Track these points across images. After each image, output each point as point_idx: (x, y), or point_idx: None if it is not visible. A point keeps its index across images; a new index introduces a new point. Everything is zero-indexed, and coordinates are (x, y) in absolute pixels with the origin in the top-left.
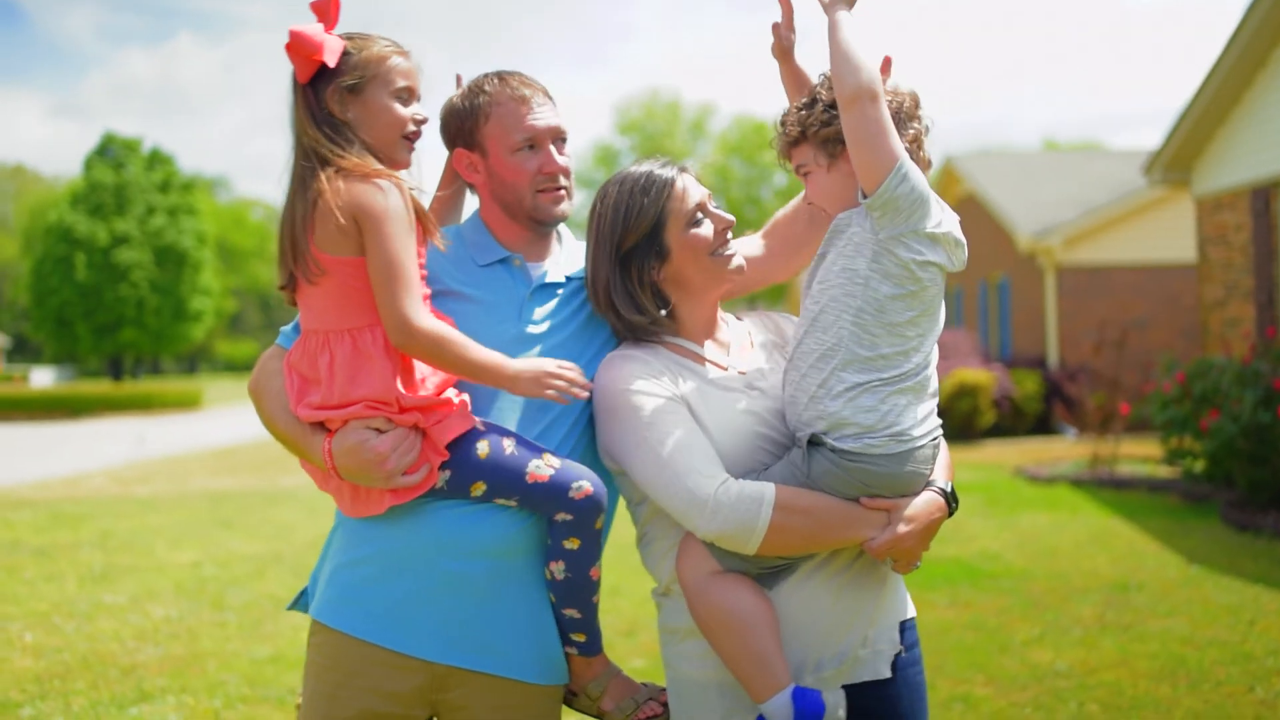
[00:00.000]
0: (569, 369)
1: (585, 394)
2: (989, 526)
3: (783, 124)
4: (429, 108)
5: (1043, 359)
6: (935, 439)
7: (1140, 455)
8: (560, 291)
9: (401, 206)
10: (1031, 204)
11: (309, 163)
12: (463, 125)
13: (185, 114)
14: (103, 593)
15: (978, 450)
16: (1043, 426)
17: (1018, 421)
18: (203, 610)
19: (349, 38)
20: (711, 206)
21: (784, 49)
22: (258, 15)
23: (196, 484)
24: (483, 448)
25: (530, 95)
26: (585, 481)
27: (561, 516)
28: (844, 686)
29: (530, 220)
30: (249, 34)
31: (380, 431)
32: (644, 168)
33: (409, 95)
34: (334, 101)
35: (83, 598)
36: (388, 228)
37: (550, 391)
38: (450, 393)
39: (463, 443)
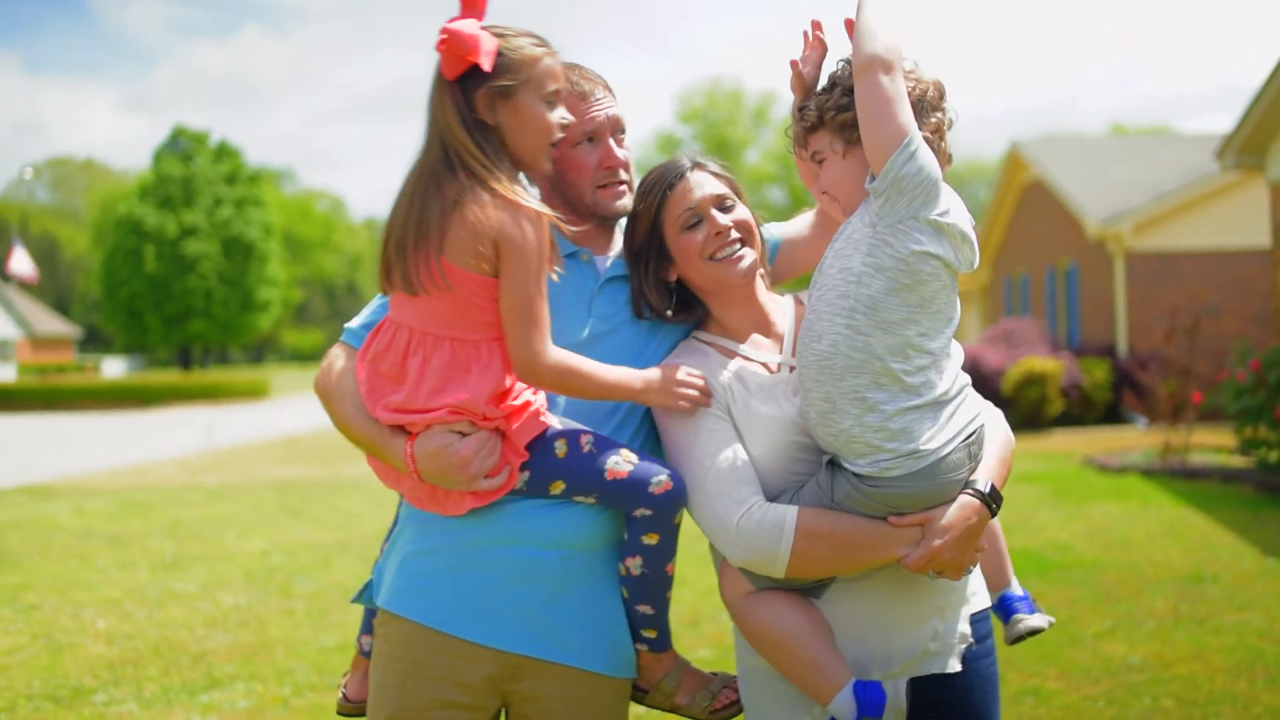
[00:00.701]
0: (696, 376)
1: (709, 401)
2: (1058, 517)
3: (800, 110)
4: None
5: (1112, 347)
6: (968, 440)
7: (1213, 445)
8: (618, 281)
9: (542, 244)
10: (1100, 190)
11: (451, 167)
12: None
13: (252, 106)
14: (173, 580)
15: (1046, 439)
16: (1112, 415)
17: (1086, 410)
18: (271, 599)
19: (499, 34)
20: (717, 208)
21: (805, 86)
22: (323, 7)
23: (264, 473)
24: (560, 447)
25: (590, 89)
26: (665, 476)
27: (640, 512)
28: (914, 679)
29: (592, 215)
30: (315, 26)
31: (463, 435)
32: (657, 167)
33: (557, 99)
34: (483, 104)
35: (154, 585)
36: (529, 266)
37: (682, 402)
38: (527, 394)
39: (540, 443)
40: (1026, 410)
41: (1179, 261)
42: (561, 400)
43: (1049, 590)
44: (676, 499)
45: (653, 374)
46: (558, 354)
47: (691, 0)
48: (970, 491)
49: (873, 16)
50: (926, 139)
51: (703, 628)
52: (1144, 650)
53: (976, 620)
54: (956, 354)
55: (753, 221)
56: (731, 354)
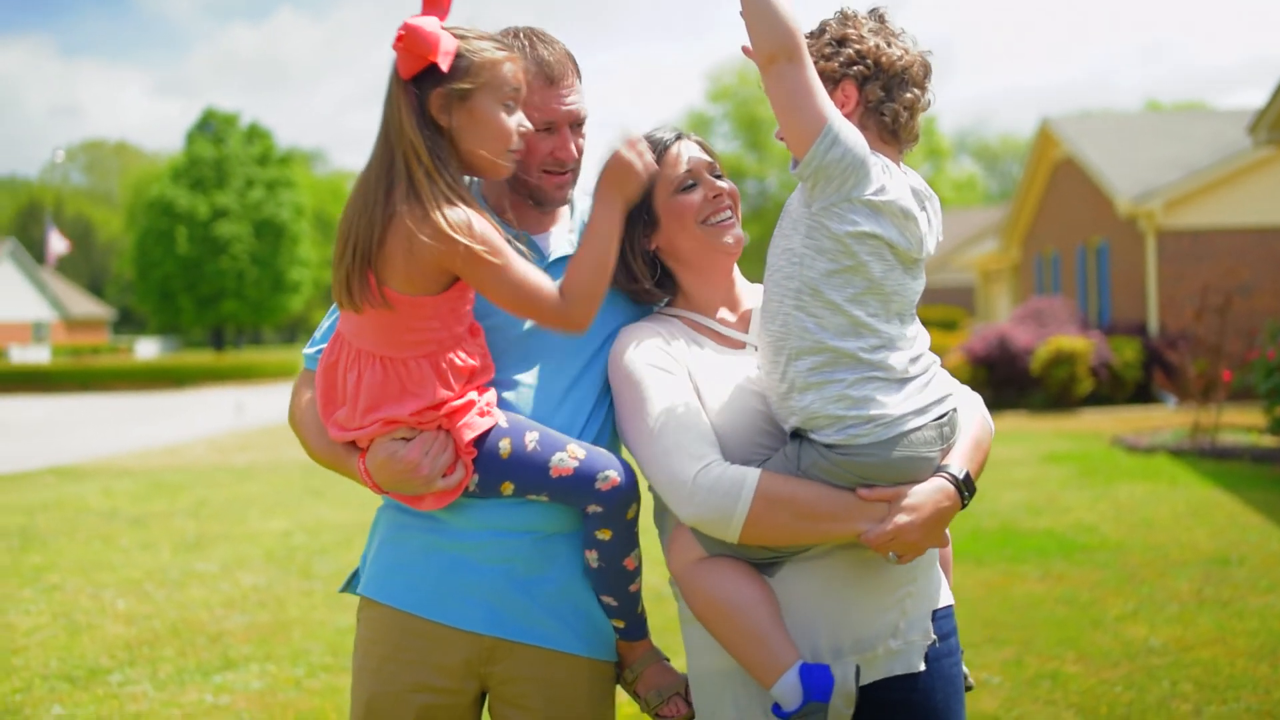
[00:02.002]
0: (633, 145)
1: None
2: (1084, 497)
3: None
4: None
5: (1143, 325)
6: (939, 419)
7: (1243, 424)
8: (565, 261)
9: (486, 233)
10: (1132, 166)
11: (396, 174)
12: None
13: (285, 88)
14: (195, 561)
15: (1074, 419)
16: (1142, 395)
17: (1116, 390)
18: (290, 579)
19: (460, 35)
20: (709, 174)
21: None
22: None
23: (291, 453)
24: (504, 446)
25: (559, 79)
26: (612, 471)
27: (592, 508)
28: (876, 682)
29: (530, 197)
30: (348, 8)
31: (406, 440)
32: (645, 133)
33: (516, 102)
34: (437, 106)
35: (175, 565)
36: (491, 260)
37: (637, 165)
38: (471, 393)
39: (485, 443)
40: (1055, 389)
41: (1211, 239)
42: (513, 397)
43: (1072, 572)
44: (624, 495)
45: (611, 188)
46: (571, 293)
47: None
48: (944, 475)
49: (762, 2)
50: (896, 113)
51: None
52: (1165, 633)
53: (940, 618)
54: (918, 336)
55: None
56: (700, 327)
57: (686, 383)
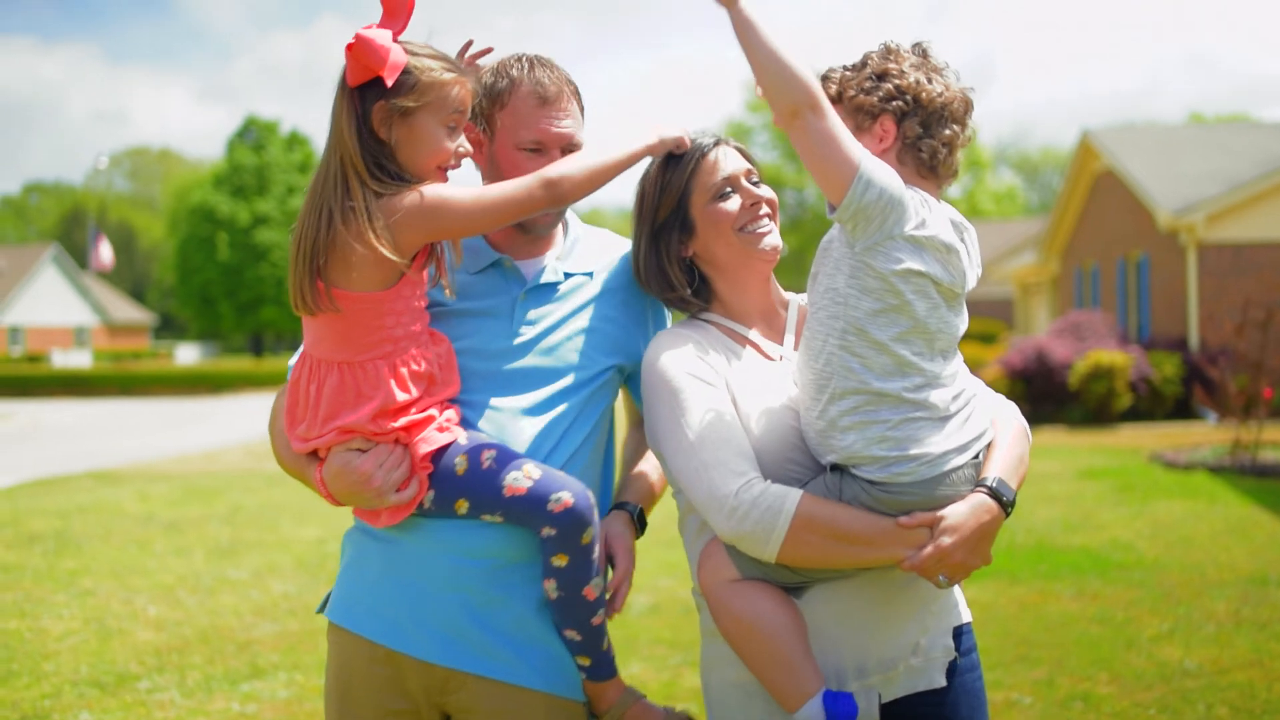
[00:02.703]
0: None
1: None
2: (1121, 515)
3: (824, 80)
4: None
5: (1183, 340)
6: (978, 457)
7: None
8: (560, 289)
9: (425, 201)
10: (1173, 179)
11: (339, 179)
12: (479, 103)
13: (326, 96)
14: (227, 567)
15: (1113, 434)
16: (1182, 410)
17: (1156, 405)
18: (320, 586)
19: (412, 52)
20: (747, 181)
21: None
22: None
23: None
24: (460, 462)
25: (554, 98)
26: (565, 493)
27: (546, 531)
28: (900, 699)
29: (518, 224)
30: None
31: (362, 451)
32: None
33: (458, 123)
34: (379, 118)
35: (208, 572)
36: (451, 209)
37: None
38: (433, 409)
39: (442, 459)
40: (1094, 404)
41: (1253, 253)
42: (479, 419)
43: (1107, 590)
44: (577, 518)
45: (648, 133)
46: (557, 172)
47: None
48: (983, 489)
49: (770, 45)
50: (934, 149)
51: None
52: (1201, 655)
53: (961, 633)
54: (959, 371)
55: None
56: (736, 336)
57: (725, 394)
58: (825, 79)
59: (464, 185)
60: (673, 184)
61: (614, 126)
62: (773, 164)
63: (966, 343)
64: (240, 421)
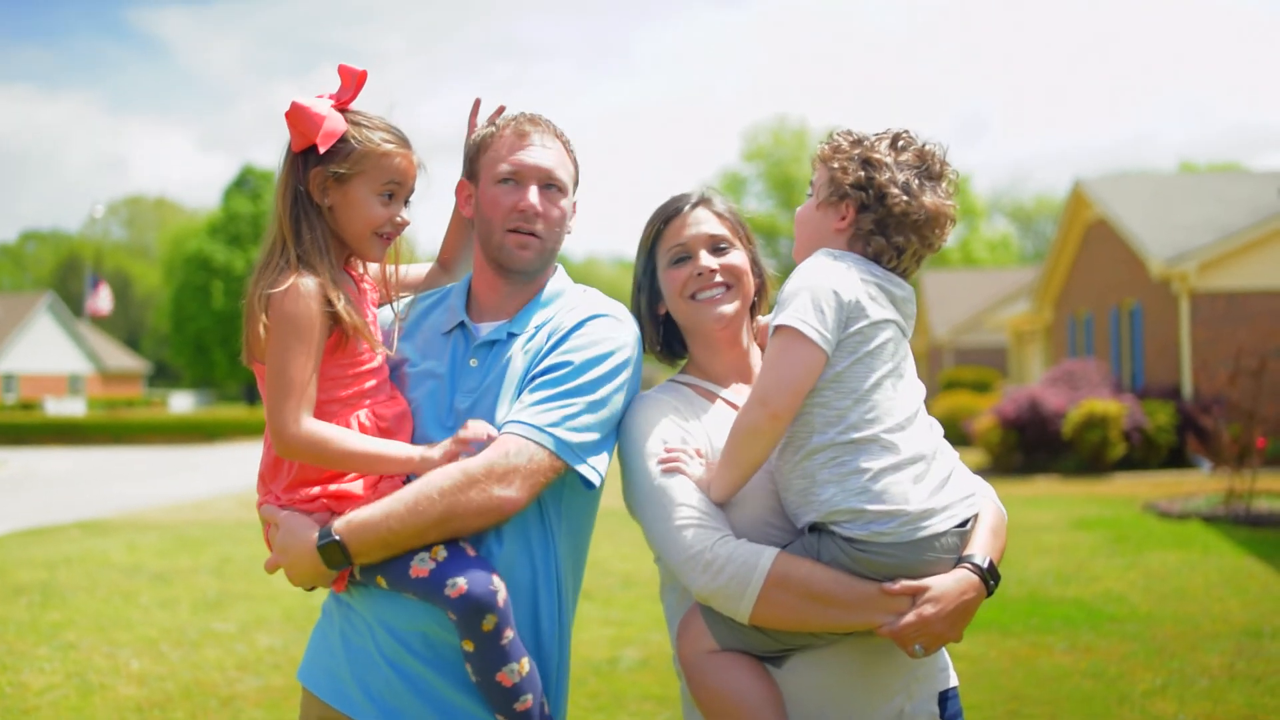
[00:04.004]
0: (477, 428)
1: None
2: (1114, 565)
3: (830, 136)
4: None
5: (1177, 389)
6: (962, 526)
7: (1279, 491)
8: (506, 349)
9: (300, 314)
10: (1166, 228)
11: (275, 239)
12: (468, 156)
13: None
14: (213, 620)
15: (1106, 484)
16: (1176, 459)
17: (1149, 454)
18: (306, 641)
19: (355, 122)
20: (710, 248)
21: None
22: (396, 48)
23: None
24: None
25: (531, 131)
26: (461, 579)
27: (450, 615)
28: None
29: (498, 265)
30: (389, 67)
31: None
32: (666, 199)
33: (396, 192)
34: (316, 183)
35: (193, 625)
36: (275, 334)
37: (461, 454)
38: (356, 484)
39: None
40: (1088, 453)
41: (1246, 301)
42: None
43: (1100, 643)
44: (472, 605)
45: (430, 448)
46: (309, 425)
47: (757, 41)
48: (969, 566)
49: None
50: (881, 249)
51: None
52: (1195, 710)
53: (947, 698)
54: (934, 425)
55: (747, 268)
56: (712, 396)
57: (696, 458)
58: (830, 137)
59: (309, 349)
60: (644, 243)
61: (608, 175)
62: (767, 214)
63: (960, 391)
64: (232, 470)
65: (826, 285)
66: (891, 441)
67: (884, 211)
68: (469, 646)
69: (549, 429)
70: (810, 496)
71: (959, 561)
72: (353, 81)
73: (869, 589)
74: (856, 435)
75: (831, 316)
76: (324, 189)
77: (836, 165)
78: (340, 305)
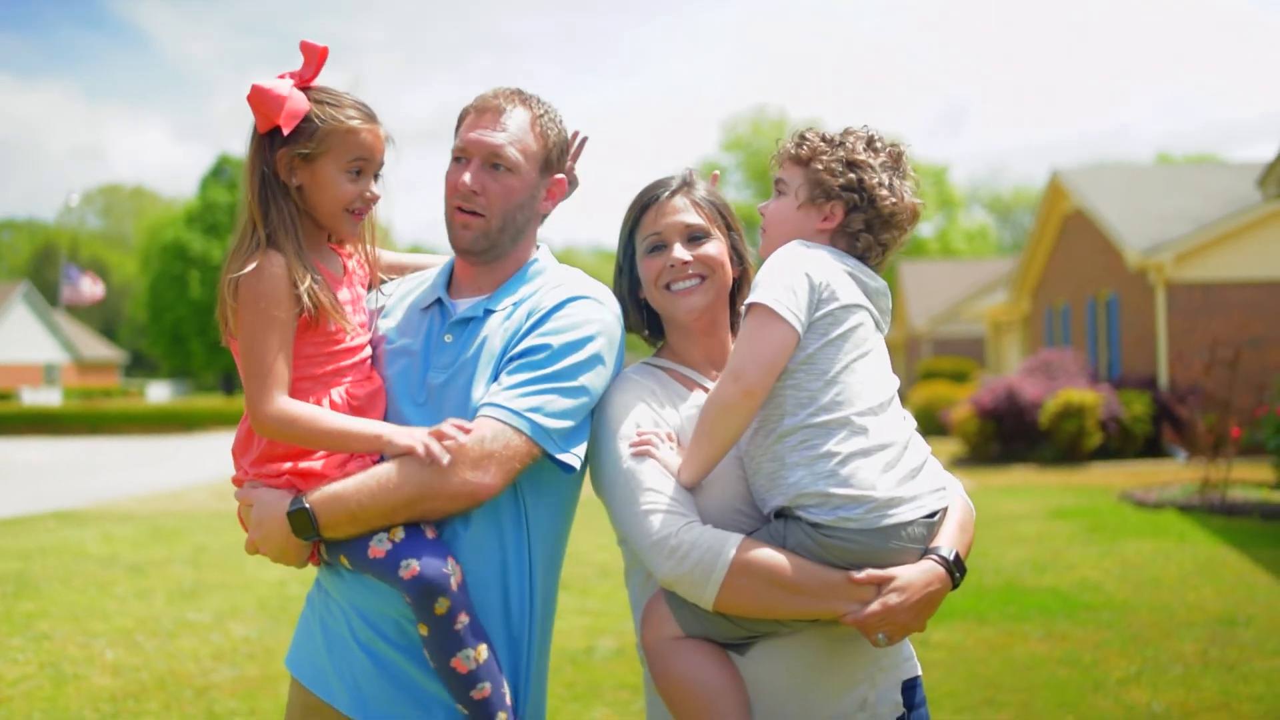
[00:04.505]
0: (462, 429)
1: (446, 458)
2: (1090, 554)
3: (802, 138)
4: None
5: (1153, 379)
6: (931, 517)
7: (1254, 480)
8: (480, 327)
9: (267, 292)
10: (1142, 219)
11: (245, 222)
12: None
13: None
14: (188, 610)
15: (1083, 473)
16: (1152, 449)
17: (1126, 444)
18: (281, 629)
19: (319, 100)
20: (684, 238)
21: None
22: (377, 38)
23: None
24: None
25: (488, 109)
26: (414, 561)
27: (406, 598)
28: None
29: (451, 245)
30: (367, 56)
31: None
32: (650, 182)
33: (364, 168)
34: (283, 164)
35: (168, 615)
36: (244, 315)
37: (419, 451)
38: (319, 461)
39: None
40: (1064, 443)
41: (1222, 292)
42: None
43: (1075, 631)
44: (424, 587)
45: (400, 431)
46: (281, 404)
47: (738, 35)
48: (935, 557)
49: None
50: (869, 245)
51: None
52: (1169, 697)
53: (909, 688)
54: (907, 417)
55: (724, 258)
56: (687, 382)
57: (668, 443)
58: (801, 139)
59: (279, 328)
60: (624, 228)
61: (586, 165)
62: (746, 203)
63: (938, 381)
64: (209, 460)
65: (799, 268)
66: (862, 425)
67: (874, 212)
68: (424, 630)
69: (526, 414)
70: (778, 480)
71: (926, 553)
72: (314, 58)
73: (834, 576)
74: (827, 417)
75: (804, 297)
76: (291, 169)
77: (821, 167)
78: (305, 285)
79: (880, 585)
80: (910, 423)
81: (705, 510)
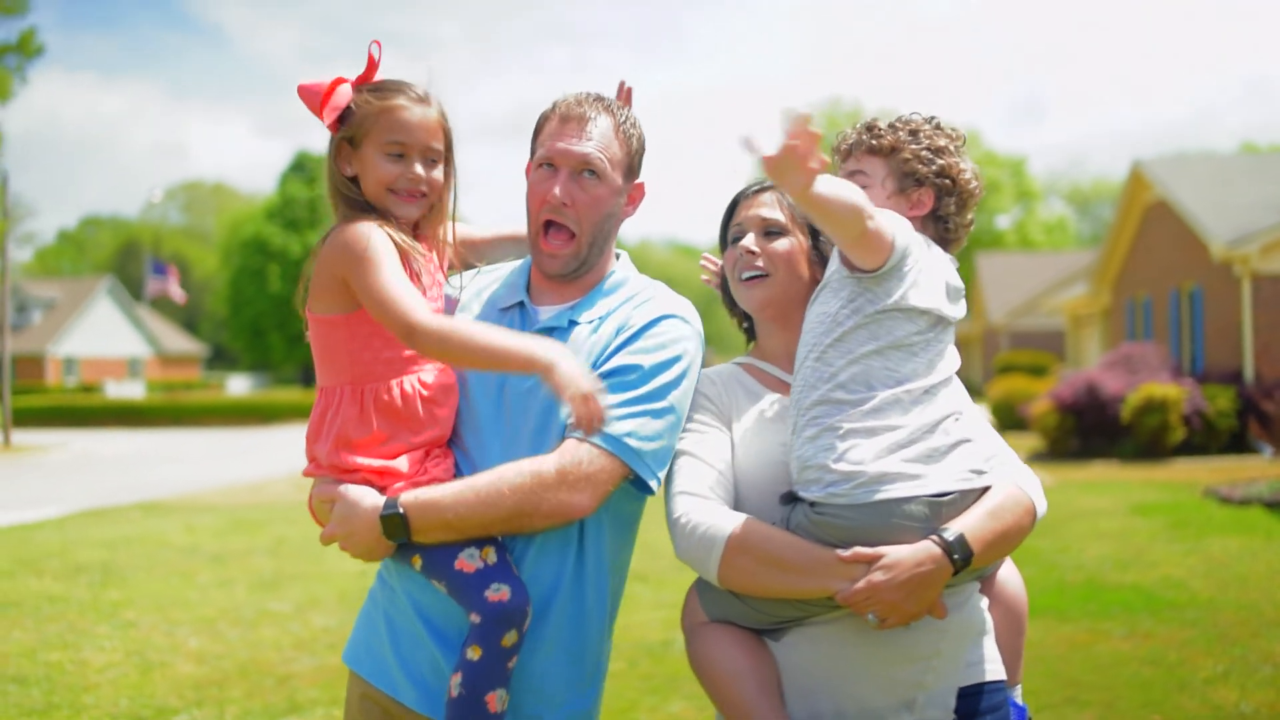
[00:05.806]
0: (598, 405)
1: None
2: (1174, 551)
3: (874, 127)
4: None
5: (1238, 373)
6: (939, 497)
7: None
8: (557, 333)
9: (368, 235)
10: (1227, 210)
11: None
12: (532, 137)
13: None
14: (269, 600)
15: (1165, 469)
16: (1237, 444)
17: (1210, 439)
18: None
19: (375, 89)
20: (759, 232)
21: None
22: (451, 34)
23: None
24: None
25: (575, 118)
26: (506, 587)
27: (473, 617)
28: None
29: (539, 267)
30: (443, 51)
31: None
32: (748, 183)
33: (404, 150)
34: (340, 154)
35: (250, 604)
36: (364, 266)
37: (580, 409)
38: (401, 460)
39: None
40: (1146, 438)
41: None
42: (461, 459)
43: (1160, 630)
44: (506, 613)
45: (570, 366)
46: (435, 320)
47: (808, 23)
48: (935, 538)
49: (837, 210)
50: (958, 227)
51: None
52: (1258, 698)
53: (969, 694)
54: (950, 405)
55: (796, 258)
56: (762, 376)
57: (714, 432)
58: (880, 132)
59: (389, 259)
60: (723, 220)
61: (661, 160)
62: None
63: (1016, 375)
64: (288, 452)
65: (921, 239)
66: (876, 406)
67: (959, 195)
68: (475, 654)
69: (623, 438)
70: (793, 456)
71: (932, 534)
72: (371, 58)
73: (825, 555)
74: (842, 395)
75: (911, 252)
76: (346, 157)
77: (908, 157)
78: (389, 229)
79: (870, 563)
80: (969, 415)
81: (749, 504)
